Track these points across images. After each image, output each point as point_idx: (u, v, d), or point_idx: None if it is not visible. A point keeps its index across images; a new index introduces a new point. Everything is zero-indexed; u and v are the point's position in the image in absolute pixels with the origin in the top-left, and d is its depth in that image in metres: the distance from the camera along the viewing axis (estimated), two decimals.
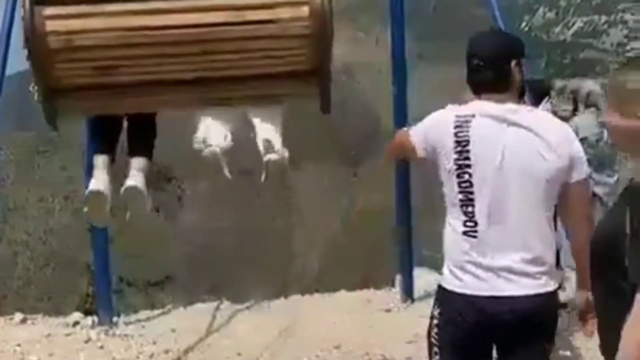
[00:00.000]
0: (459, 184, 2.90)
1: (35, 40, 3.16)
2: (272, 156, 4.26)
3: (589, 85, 6.36)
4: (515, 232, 2.88)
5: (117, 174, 3.97)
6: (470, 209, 2.89)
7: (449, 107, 3.06)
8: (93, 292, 7.14)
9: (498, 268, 2.88)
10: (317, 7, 3.30)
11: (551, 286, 2.94)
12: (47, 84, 3.31)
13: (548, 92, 6.04)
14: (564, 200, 2.93)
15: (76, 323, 6.34)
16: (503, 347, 3.02)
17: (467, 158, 2.87)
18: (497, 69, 2.95)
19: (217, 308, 6.65)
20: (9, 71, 5.33)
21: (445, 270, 3.05)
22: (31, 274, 15.79)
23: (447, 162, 2.93)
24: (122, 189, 3.87)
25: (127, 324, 6.30)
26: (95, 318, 6.31)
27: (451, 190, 2.95)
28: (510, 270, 2.88)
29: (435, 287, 6.99)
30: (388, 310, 6.35)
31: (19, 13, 3.29)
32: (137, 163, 3.89)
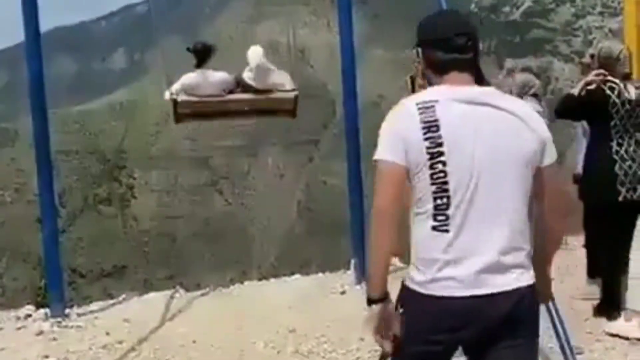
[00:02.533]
0: (432, 175, 2.63)
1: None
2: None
3: (531, 79, 7.01)
4: (497, 224, 2.65)
5: None
6: (444, 200, 2.64)
7: (404, 99, 2.76)
8: (46, 285, 7.03)
9: (477, 264, 2.64)
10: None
11: (531, 279, 2.71)
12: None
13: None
14: (536, 187, 2.73)
15: (28, 316, 6.25)
16: (479, 350, 2.74)
17: (440, 144, 2.62)
18: (477, 49, 2.76)
19: (172, 297, 6.61)
20: None
21: (414, 270, 2.72)
22: None
23: (419, 154, 2.63)
24: None
25: (80, 315, 6.23)
26: (48, 310, 6.23)
27: (423, 181, 2.65)
28: (491, 265, 2.65)
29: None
30: (342, 293, 6.38)
31: None
32: None
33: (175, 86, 6.77)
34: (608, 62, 5.32)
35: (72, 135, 19.31)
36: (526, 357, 2.76)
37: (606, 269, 5.50)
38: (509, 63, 25.27)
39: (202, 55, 6.81)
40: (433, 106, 2.64)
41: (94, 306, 6.59)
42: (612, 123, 5.23)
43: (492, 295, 2.64)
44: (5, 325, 6.10)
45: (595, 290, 5.67)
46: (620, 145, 5.25)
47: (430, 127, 2.62)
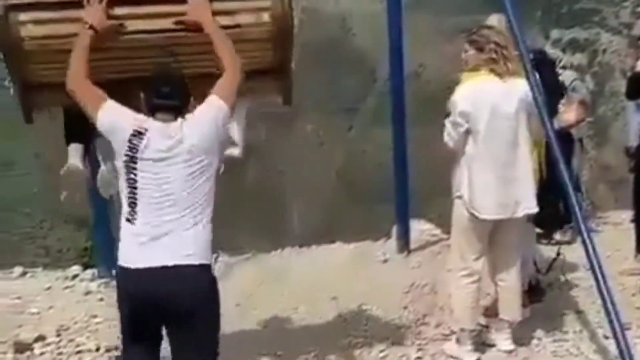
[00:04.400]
0: (127, 179, 3.36)
1: (10, 43, 3.49)
2: (233, 151, 4.48)
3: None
4: (168, 213, 3.36)
5: None
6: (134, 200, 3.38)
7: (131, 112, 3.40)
8: (91, 246, 7.15)
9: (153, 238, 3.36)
10: (278, 14, 3.60)
11: (197, 260, 3.51)
12: (22, 82, 3.71)
13: (552, 62, 6.17)
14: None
15: (75, 276, 6.37)
16: (170, 323, 3.48)
17: (135, 159, 3.32)
18: (182, 95, 3.40)
19: (215, 261, 6.68)
20: None
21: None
22: (29, 229, 15.76)
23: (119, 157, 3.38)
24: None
25: None
26: (95, 271, 6.34)
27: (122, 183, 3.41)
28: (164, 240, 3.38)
29: (430, 238, 7.09)
30: (385, 261, 6.38)
31: None
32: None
33: None
34: None
35: None
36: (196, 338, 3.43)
37: None
38: (555, 34, 24.80)
39: None
40: (144, 133, 3.31)
41: None
42: None
43: (160, 268, 3.33)
44: (53, 285, 6.22)
45: None
46: None
47: (136, 136, 3.31)
